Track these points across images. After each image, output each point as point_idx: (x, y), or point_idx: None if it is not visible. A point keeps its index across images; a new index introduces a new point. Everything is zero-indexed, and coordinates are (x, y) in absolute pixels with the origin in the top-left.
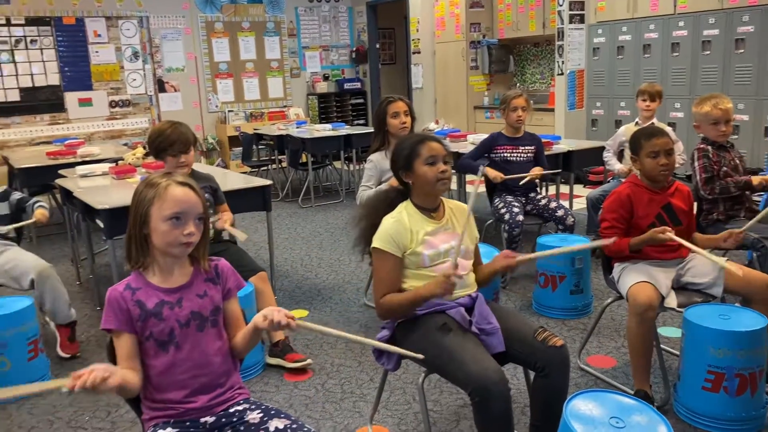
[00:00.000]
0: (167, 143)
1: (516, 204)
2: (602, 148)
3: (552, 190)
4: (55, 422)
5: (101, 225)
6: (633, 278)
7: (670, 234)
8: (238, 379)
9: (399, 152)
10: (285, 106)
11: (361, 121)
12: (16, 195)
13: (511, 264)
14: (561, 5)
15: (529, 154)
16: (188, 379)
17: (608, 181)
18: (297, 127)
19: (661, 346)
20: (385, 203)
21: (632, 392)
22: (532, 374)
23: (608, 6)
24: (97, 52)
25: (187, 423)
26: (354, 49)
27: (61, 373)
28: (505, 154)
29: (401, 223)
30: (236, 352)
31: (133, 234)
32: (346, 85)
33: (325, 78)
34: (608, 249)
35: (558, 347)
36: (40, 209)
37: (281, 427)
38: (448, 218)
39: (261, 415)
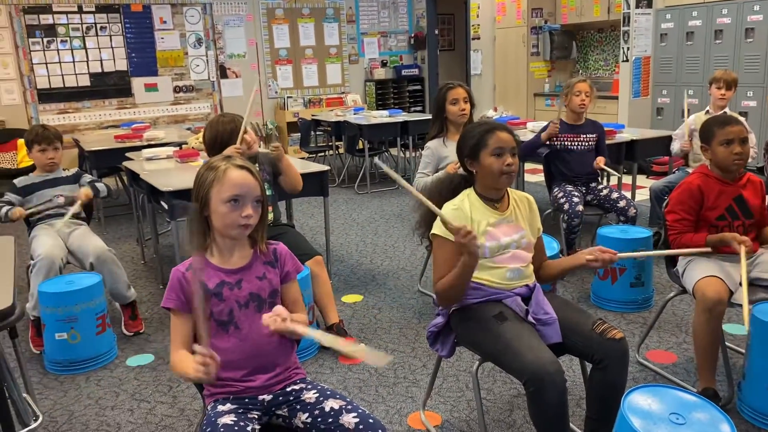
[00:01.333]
0: (225, 138)
1: (576, 194)
2: (668, 138)
3: (614, 180)
4: (120, 394)
5: (165, 206)
6: (700, 272)
7: (743, 250)
8: (295, 360)
9: (466, 140)
10: (343, 93)
11: (419, 108)
12: (87, 177)
13: (606, 262)
14: None
15: (590, 143)
16: (247, 359)
17: (673, 172)
18: (354, 114)
19: (726, 343)
20: (449, 189)
21: (694, 389)
22: (588, 366)
23: None
24: (162, 38)
25: (246, 400)
26: (412, 35)
27: (127, 348)
28: (566, 142)
29: (462, 211)
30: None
31: (194, 215)
32: (404, 72)
33: (383, 64)
34: (680, 243)
35: (617, 339)
36: (85, 188)
37: (336, 407)
38: (512, 209)
39: (317, 395)
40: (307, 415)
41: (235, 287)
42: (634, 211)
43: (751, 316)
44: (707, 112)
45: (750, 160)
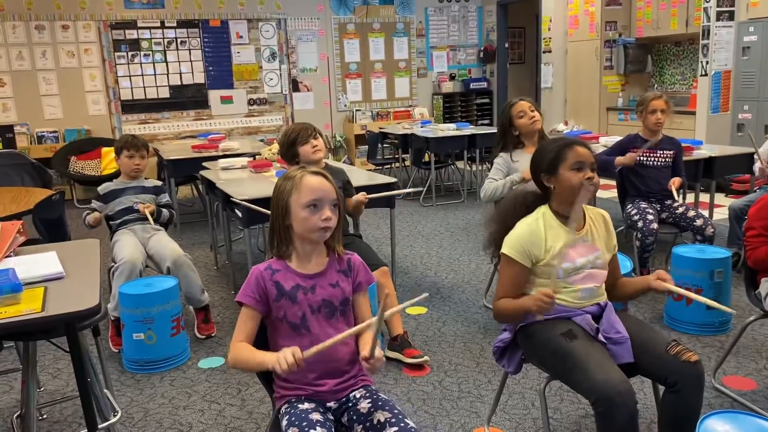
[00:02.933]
0: (294, 135)
1: (650, 211)
2: (749, 155)
3: (690, 198)
4: (192, 395)
5: (239, 215)
6: None
7: None
8: (362, 367)
9: (543, 155)
10: (410, 106)
11: (486, 121)
12: (164, 198)
13: (659, 288)
14: (708, 2)
15: (667, 159)
16: (318, 363)
17: (755, 191)
18: (421, 127)
19: None
20: (523, 206)
21: None
22: (661, 389)
23: (762, 1)
24: (238, 52)
25: (315, 404)
26: (482, 48)
27: (200, 350)
28: (642, 158)
29: (536, 233)
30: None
31: (276, 225)
32: (472, 85)
33: (452, 78)
34: (756, 257)
35: (692, 362)
36: (151, 206)
37: (382, 420)
38: (588, 228)
39: (370, 405)
40: (361, 427)
41: (309, 292)
42: (712, 230)
43: None
44: None
45: None
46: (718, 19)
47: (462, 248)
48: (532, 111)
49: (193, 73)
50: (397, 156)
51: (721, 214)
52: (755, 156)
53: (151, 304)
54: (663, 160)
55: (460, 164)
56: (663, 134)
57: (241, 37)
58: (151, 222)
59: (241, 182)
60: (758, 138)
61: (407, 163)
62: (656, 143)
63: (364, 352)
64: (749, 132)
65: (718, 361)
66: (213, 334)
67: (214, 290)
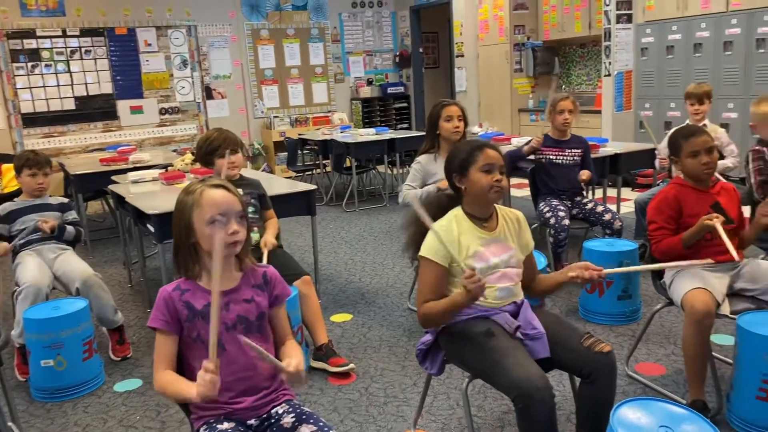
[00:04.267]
0: (215, 145)
1: (561, 208)
2: (651, 150)
3: (599, 193)
4: (108, 420)
5: (152, 229)
6: (687, 284)
7: (718, 221)
8: (284, 381)
9: (455, 156)
10: (329, 111)
11: (405, 125)
12: (71, 215)
13: (593, 278)
14: (608, 5)
15: (575, 157)
16: (235, 381)
17: (657, 184)
18: (341, 132)
19: (714, 354)
20: (437, 209)
21: (683, 401)
22: (578, 380)
23: (657, 5)
24: (147, 61)
25: (234, 423)
26: (397, 53)
27: (115, 373)
28: (551, 156)
29: (449, 233)
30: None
31: (180, 244)
32: (390, 90)
33: (369, 83)
34: (659, 249)
35: (605, 353)
36: (52, 223)
37: None
38: (501, 228)
39: (294, 420)
40: None
41: (222, 309)
42: (620, 223)
43: (737, 326)
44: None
45: (733, 168)
46: (617, 22)
47: (386, 252)
48: (459, 119)
49: (99, 83)
50: (317, 162)
51: (628, 208)
52: (656, 151)
53: (60, 328)
54: (571, 158)
55: (381, 168)
56: (571, 134)
57: (149, 44)
58: (48, 233)
59: (153, 195)
60: (658, 134)
61: (328, 169)
62: (563, 139)
63: (285, 367)
64: (646, 124)
65: (630, 350)
66: (129, 356)
67: (128, 309)
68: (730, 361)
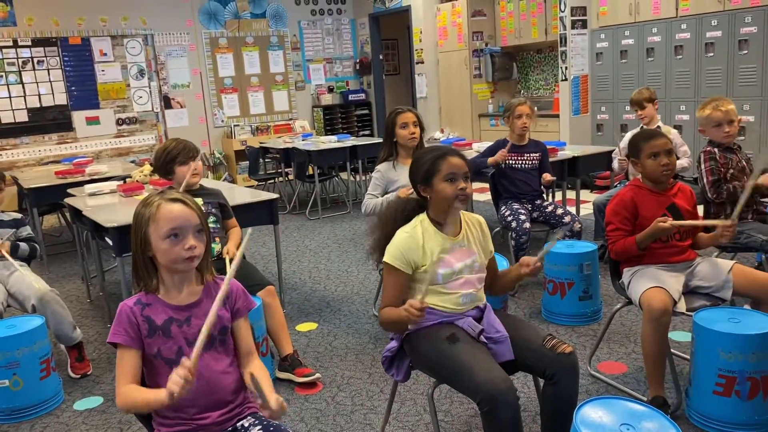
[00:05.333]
0: (174, 153)
1: (522, 211)
2: (608, 153)
3: (558, 196)
4: None
5: (110, 243)
6: (645, 284)
7: (671, 221)
8: (248, 395)
9: (418, 166)
10: (290, 119)
11: (367, 132)
12: (25, 231)
13: (535, 270)
14: (563, 11)
15: (534, 161)
16: (199, 397)
17: (615, 186)
18: (303, 140)
19: (672, 350)
20: (402, 215)
21: (644, 398)
22: (541, 382)
23: (610, 11)
24: (103, 70)
25: None
26: (358, 60)
27: (75, 391)
28: (511, 161)
29: (414, 239)
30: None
31: (137, 257)
32: (351, 97)
33: (330, 90)
34: (617, 250)
35: (567, 354)
36: (6, 243)
37: None
38: (464, 233)
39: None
40: None
41: (184, 324)
42: (579, 225)
43: (693, 323)
44: (642, 128)
45: (686, 167)
46: (573, 28)
47: (350, 259)
48: (415, 126)
49: (53, 94)
50: (279, 170)
51: (587, 210)
52: (613, 155)
53: (15, 347)
54: (530, 162)
55: (344, 176)
56: (529, 138)
57: (105, 54)
58: (10, 259)
59: (111, 208)
60: (616, 136)
61: (291, 177)
62: (521, 144)
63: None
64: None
65: (592, 349)
66: (89, 373)
67: (88, 325)
68: (688, 357)
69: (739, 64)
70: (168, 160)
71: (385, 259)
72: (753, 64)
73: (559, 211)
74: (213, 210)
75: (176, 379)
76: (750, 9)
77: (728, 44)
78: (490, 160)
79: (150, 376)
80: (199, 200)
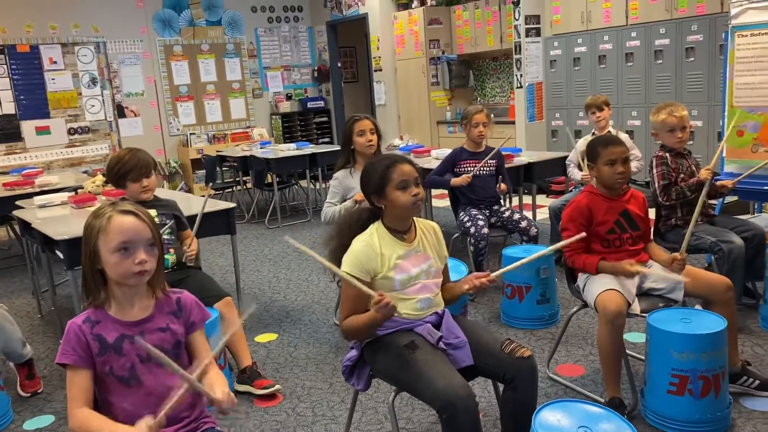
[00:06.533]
0: (127, 169)
1: (481, 217)
2: (563, 159)
3: (515, 201)
4: None
5: (61, 256)
6: (600, 287)
7: (638, 267)
8: (204, 409)
9: (369, 177)
10: (248, 127)
11: (326, 140)
12: None
13: (484, 285)
14: (517, 20)
15: (491, 168)
16: (152, 414)
17: (570, 191)
18: (261, 148)
19: (627, 351)
20: (358, 223)
21: (602, 400)
22: (501, 386)
23: (563, 19)
24: (53, 79)
25: None
26: (316, 68)
27: (24, 410)
28: (469, 169)
29: (371, 247)
30: None
31: (86, 269)
32: (310, 104)
33: (288, 97)
34: (573, 263)
35: (525, 358)
36: None
37: None
38: (419, 239)
39: None
40: None
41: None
42: (536, 230)
43: (647, 324)
44: (593, 134)
45: (636, 172)
46: (527, 36)
47: (311, 268)
48: (372, 133)
49: (1, 103)
50: (237, 179)
51: (543, 214)
52: (567, 161)
53: None
54: (488, 169)
55: (303, 183)
56: (486, 145)
57: (55, 62)
58: None
59: (62, 220)
60: (570, 142)
61: (249, 185)
62: (478, 151)
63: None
64: (567, 131)
65: (550, 352)
66: (39, 391)
67: (39, 341)
68: (643, 358)
69: (686, 70)
70: (120, 175)
71: (344, 268)
72: (699, 71)
73: (516, 216)
74: (168, 221)
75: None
76: (696, 17)
77: (676, 52)
78: (454, 182)
79: (101, 393)
80: (153, 212)
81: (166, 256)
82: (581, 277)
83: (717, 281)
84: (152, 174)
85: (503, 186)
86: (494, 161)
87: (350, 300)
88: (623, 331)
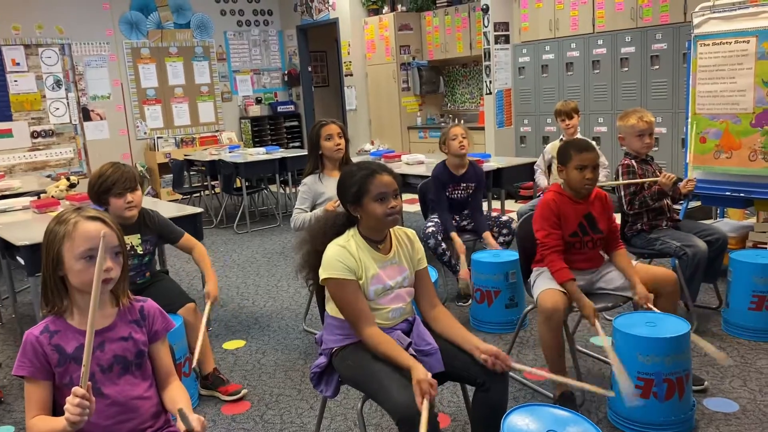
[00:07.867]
0: (110, 183)
1: (435, 220)
2: (531, 164)
3: (484, 206)
4: None
5: (22, 262)
6: (543, 285)
7: (595, 322)
8: (168, 418)
9: (347, 186)
10: (217, 131)
11: (297, 144)
12: None
13: (498, 368)
14: (486, 27)
15: (468, 191)
16: (115, 425)
17: (538, 196)
18: (230, 152)
19: (595, 355)
20: (333, 229)
21: (550, 395)
22: (470, 390)
23: (531, 26)
24: (16, 81)
25: None
26: (286, 72)
27: None
28: (447, 193)
29: (348, 251)
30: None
31: (47, 276)
32: (280, 108)
33: (258, 101)
34: (545, 257)
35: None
36: None
37: None
38: (395, 250)
39: None
40: None
41: (97, 350)
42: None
43: (613, 327)
44: (561, 140)
45: (603, 179)
46: (496, 43)
47: (280, 273)
48: (340, 137)
49: None
50: (205, 183)
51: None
52: (535, 167)
53: None
54: (465, 192)
55: (273, 188)
56: (469, 162)
57: (18, 64)
58: None
59: (23, 225)
60: (538, 148)
61: (217, 190)
62: (460, 174)
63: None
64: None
65: (508, 352)
66: (1, 400)
67: None
68: (609, 361)
69: (651, 78)
70: (102, 190)
71: (327, 275)
72: (664, 79)
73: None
74: (150, 248)
75: (71, 408)
76: (660, 26)
77: (641, 59)
78: (461, 274)
79: (62, 404)
80: (137, 239)
81: (139, 281)
82: (534, 273)
83: (663, 275)
84: (138, 189)
85: (487, 235)
86: (473, 184)
87: (350, 304)
88: (562, 328)
